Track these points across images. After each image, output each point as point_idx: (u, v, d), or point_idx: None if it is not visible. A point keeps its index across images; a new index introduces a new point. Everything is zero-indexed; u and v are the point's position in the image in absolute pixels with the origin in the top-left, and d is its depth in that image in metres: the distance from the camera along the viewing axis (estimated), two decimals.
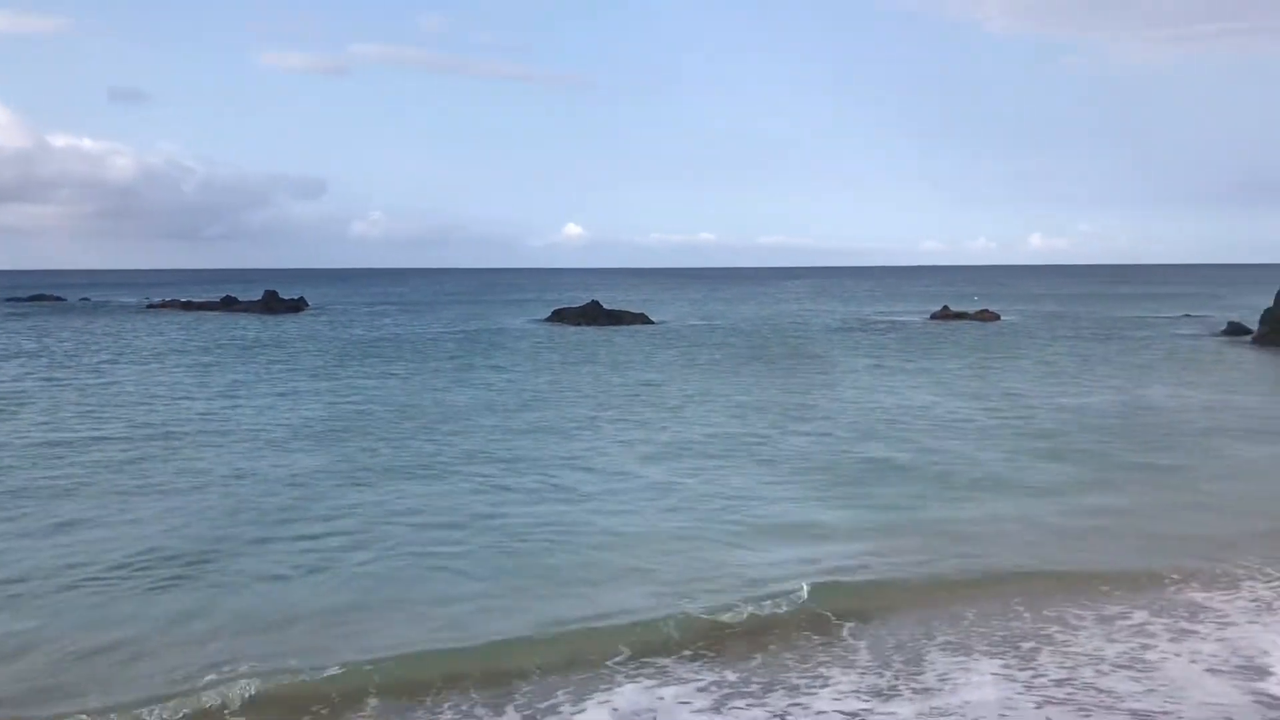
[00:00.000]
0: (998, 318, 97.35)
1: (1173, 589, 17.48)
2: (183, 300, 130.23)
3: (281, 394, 42.87)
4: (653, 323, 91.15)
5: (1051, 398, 41.82)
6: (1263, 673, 14.18)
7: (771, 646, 15.01)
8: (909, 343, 71.55)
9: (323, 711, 13.02)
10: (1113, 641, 15.26)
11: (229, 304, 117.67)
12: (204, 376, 49.26)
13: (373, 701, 13.26)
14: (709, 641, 15.11)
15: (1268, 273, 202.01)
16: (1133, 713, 12.97)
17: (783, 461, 28.61)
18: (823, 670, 14.30)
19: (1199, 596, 17.19)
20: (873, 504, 23.55)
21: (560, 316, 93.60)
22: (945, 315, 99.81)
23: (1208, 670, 14.28)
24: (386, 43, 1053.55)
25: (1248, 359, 59.39)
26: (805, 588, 17.03)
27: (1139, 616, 16.23)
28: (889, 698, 13.40)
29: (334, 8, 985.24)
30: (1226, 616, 16.29)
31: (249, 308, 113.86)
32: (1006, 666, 14.37)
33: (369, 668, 13.94)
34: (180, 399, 41.35)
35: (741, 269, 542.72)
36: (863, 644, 15.26)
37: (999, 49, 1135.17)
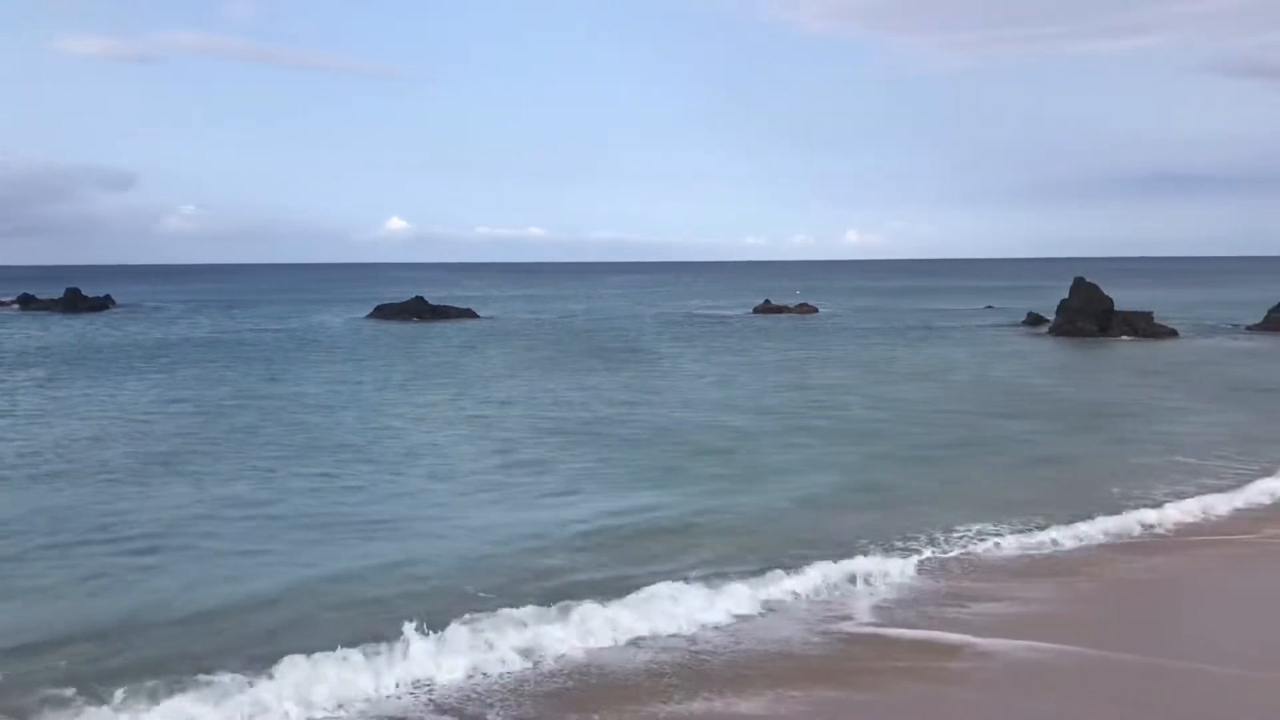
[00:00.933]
0: (816, 311, 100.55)
1: (823, 564, 18.01)
2: None
3: (76, 397, 40.73)
4: (479, 318, 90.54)
5: (858, 388, 43.44)
6: (845, 618, 15.84)
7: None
8: (731, 337, 73.18)
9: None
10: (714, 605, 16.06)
11: (27, 302, 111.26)
12: None
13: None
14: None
15: (1065, 266, 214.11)
16: (694, 652, 14.51)
17: (601, 457, 28.79)
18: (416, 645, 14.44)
19: (841, 568, 17.89)
20: (667, 496, 23.82)
21: (383, 313, 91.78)
22: (767, 309, 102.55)
23: (792, 619, 15.76)
24: (195, 30, 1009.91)
25: (1044, 347, 63.11)
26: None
27: (776, 576, 17.29)
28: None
29: None
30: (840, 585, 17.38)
31: (49, 306, 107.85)
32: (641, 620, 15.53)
33: (135, 684, 13.34)
34: None
35: (571, 264, 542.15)
36: (483, 622, 15.39)
37: (815, 51, 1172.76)
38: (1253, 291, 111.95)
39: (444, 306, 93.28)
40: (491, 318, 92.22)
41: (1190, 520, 21.53)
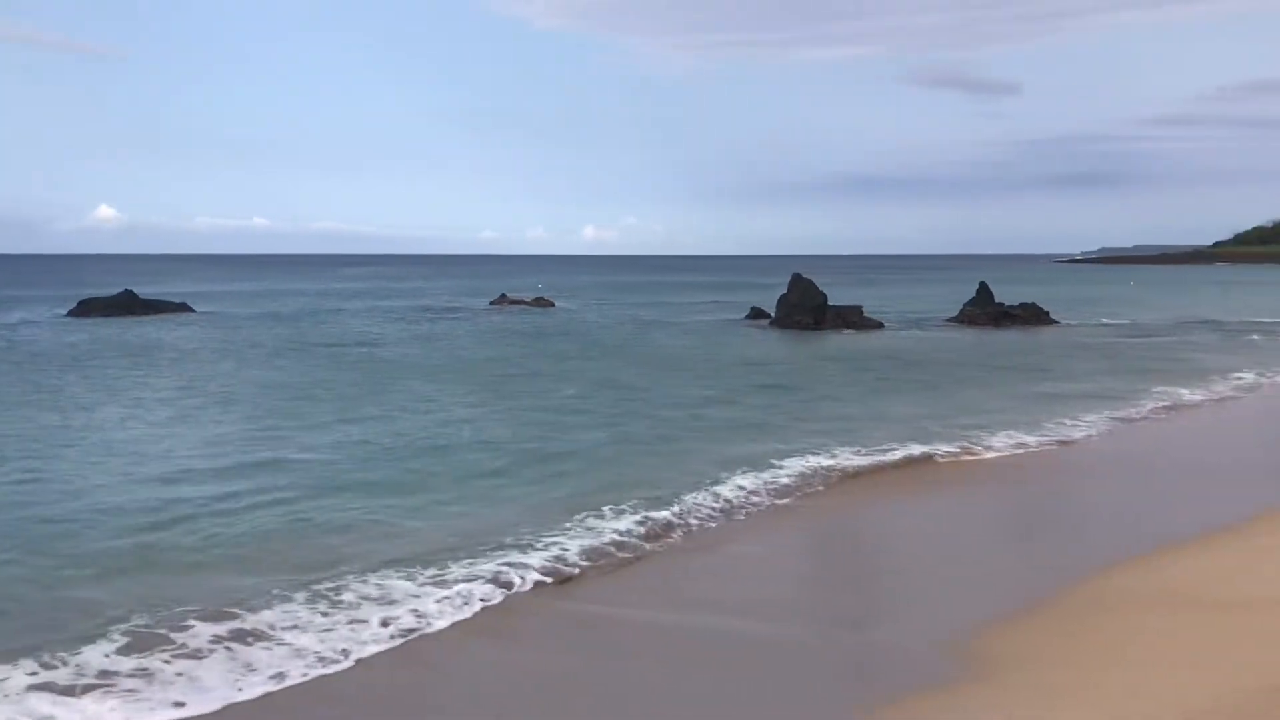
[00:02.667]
0: (553, 305, 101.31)
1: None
2: None
3: None
4: (196, 313, 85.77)
5: (555, 377, 43.91)
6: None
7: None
8: (466, 329, 72.54)
9: None
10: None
11: None
12: None
13: None
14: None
15: (788, 263, 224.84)
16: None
17: (271, 457, 27.52)
18: None
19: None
20: (334, 497, 23.24)
21: (87, 308, 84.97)
22: (503, 302, 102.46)
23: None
24: None
25: (760, 339, 66.11)
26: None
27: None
28: None
29: None
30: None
31: None
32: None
33: None
34: None
35: (299, 255, 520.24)
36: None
37: (546, 47, 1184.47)
38: (956, 288, 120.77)
39: (157, 300, 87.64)
40: (210, 313, 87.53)
41: (739, 495, 23.39)
